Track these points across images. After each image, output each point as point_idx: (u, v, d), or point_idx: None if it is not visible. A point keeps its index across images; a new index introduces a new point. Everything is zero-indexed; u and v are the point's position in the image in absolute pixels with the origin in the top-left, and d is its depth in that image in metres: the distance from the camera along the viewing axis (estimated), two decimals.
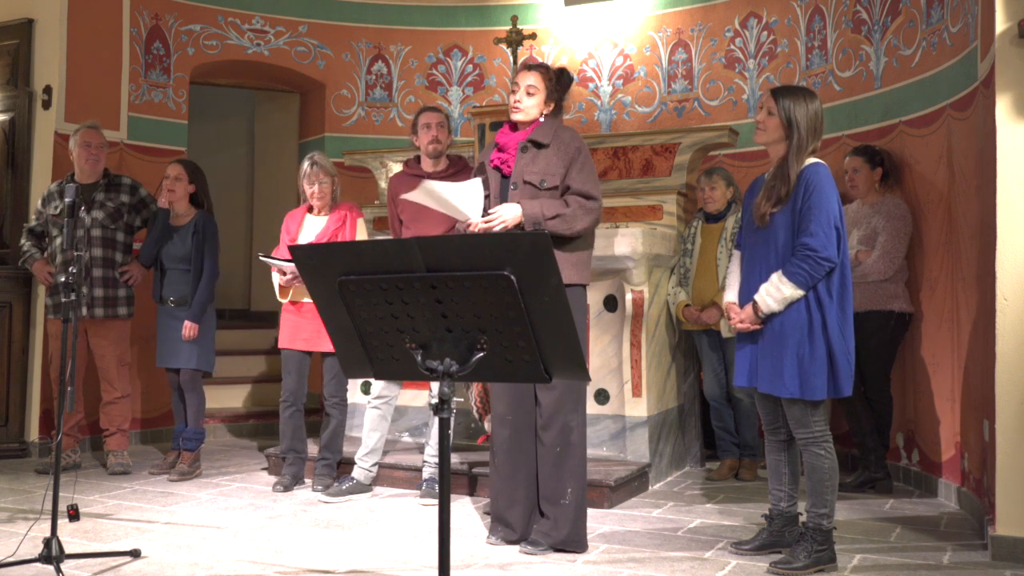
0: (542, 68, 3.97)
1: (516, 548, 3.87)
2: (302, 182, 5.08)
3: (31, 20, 6.11)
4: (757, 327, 3.65)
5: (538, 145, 3.87)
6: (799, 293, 3.53)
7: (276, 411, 5.22)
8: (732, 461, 5.42)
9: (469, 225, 3.84)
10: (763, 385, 3.65)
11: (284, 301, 5.06)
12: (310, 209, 5.13)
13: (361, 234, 5.10)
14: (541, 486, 3.88)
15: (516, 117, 3.94)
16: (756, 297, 3.62)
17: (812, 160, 3.64)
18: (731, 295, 3.80)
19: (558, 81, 3.96)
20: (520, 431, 3.91)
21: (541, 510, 3.90)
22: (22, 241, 5.65)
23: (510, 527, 3.93)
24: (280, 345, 5.11)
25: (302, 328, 5.00)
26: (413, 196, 3.88)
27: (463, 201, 3.79)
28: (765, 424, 3.84)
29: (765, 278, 3.61)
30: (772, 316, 3.59)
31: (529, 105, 3.91)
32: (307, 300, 4.99)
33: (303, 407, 5.11)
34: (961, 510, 4.57)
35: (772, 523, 3.82)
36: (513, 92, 3.96)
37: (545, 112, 3.95)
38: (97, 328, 5.45)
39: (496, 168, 3.97)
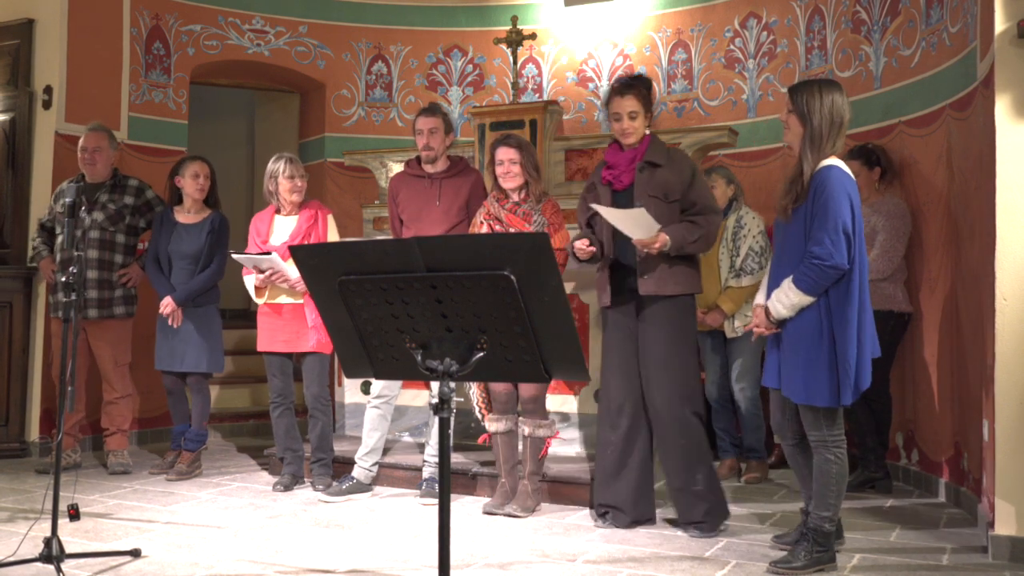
0: (635, 90, 4.18)
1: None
2: (279, 179, 5.00)
3: (31, 20, 6.11)
4: (774, 331, 3.65)
5: (654, 165, 4.13)
6: (807, 299, 3.51)
7: None
8: (732, 461, 5.43)
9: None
10: (783, 388, 3.65)
11: (260, 302, 5.00)
12: (277, 211, 5.10)
13: (333, 231, 5.08)
14: (673, 476, 4.14)
15: (629, 142, 4.19)
16: (767, 302, 3.63)
17: (829, 161, 3.54)
18: (760, 297, 3.77)
19: (649, 91, 4.23)
20: (636, 422, 4.18)
21: (678, 498, 4.15)
22: (34, 235, 5.70)
23: (622, 512, 4.20)
24: (259, 348, 5.06)
25: (280, 330, 4.97)
26: (604, 212, 4.06)
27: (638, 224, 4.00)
28: (774, 428, 3.86)
29: (781, 280, 3.59)
30: (787, 321, 3.59)
31: (638, 128, 4.18)
32: (283, 301, 4.96)
33: (293, 405, 5.11)
34: (961, 510, 4.58)
35: (809, 517, 3.79)
36: (616, 120, 4.18)
37: (647, 125, 4.22)
38: (94, 329, 5.44)
39: (607, 184, 4.21)
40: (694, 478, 4.08)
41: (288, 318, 4.95)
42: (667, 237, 3.98)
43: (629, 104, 4.15)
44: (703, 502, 4.09)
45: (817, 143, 3.55)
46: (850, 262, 3.47)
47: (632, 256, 4.12)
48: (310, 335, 4.91)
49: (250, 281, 5.00)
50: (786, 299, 3.54)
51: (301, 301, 4.91)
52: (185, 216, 5.41)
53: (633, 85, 4.19)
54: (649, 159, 4.13)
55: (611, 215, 4.03)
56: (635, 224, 3.97)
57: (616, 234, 4.13)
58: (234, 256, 4.92)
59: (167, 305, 5.24)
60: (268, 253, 4.82)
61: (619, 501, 4.21)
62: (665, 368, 4.10)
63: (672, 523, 4.24)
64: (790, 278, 3.54)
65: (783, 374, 3.64)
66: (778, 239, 3.73)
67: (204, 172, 5.40)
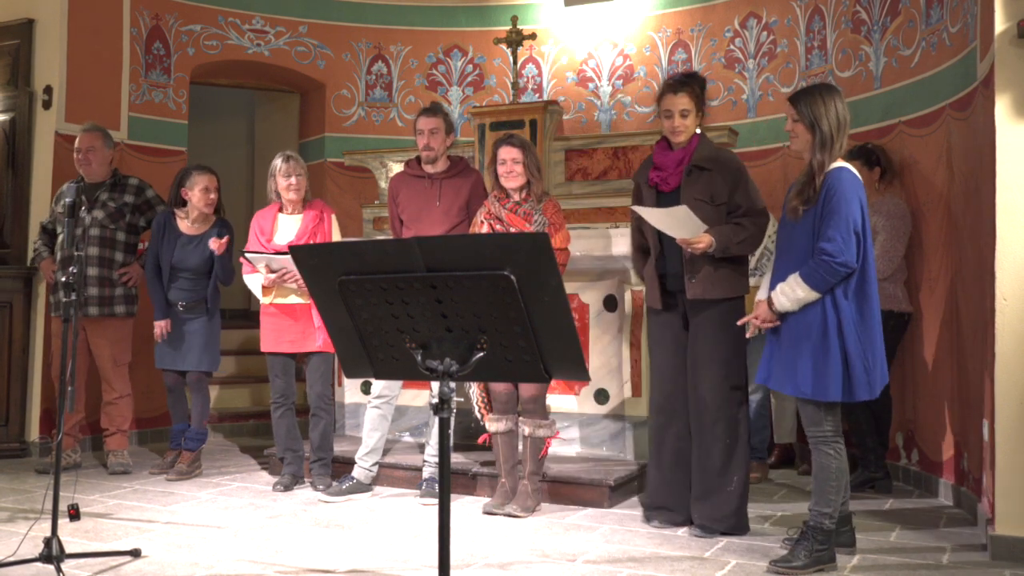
0: (688, 87, 4.11)
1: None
2: (276, 178, 4.99)
3: (31, 20, 6.11)
4: (774, 323, 3.67)
5: (701, 168, 4.07)
6: (813, 295, 3.54)
7: None
8: None
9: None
10: (776, 383, 3.67)
11: (266, 301, 4.97)
12: (280, 209, 5.08)
13: (337, 231, 5.08)
14: (707, 475, 4.10)
15: (679, 140, 4.13)
16: (771, 295, 3.66)
17: (839, 164, 3.62)
18: (762, 293, 3.80)
19: (703, 89, 4.16)
20: (682, 423, 4.18)
21: (705, 497, 4.10)
22: (36, 238, 5.71)
23: (675, 511, 4.22)
24: (264, 349, 5.04)
25: (286, 330, 4.95)
26: (645, 213, 4.05)
27: (683, 223, 3.95)
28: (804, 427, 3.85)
29: (787, 276, 3.62)
30: (788, 315, 3.61)
31: (689, 126, 4.12)
32: (293, 301, 4.93)
33: (294, 406, 5.11)
34: (961, 510, 4.58)
35: (809, 514, 3.79)
36: (667, 117, 4.11)
37: (699, 123, 4.15)
38: (94, 327, 5.44)
39: (653, 186, 4.16)
40: (731, 479, 4.09)
41: (294, 318, 4.94)
42: (711, 238, 3.94)
43: (682, 101, 4.08)
44: (732, 502, 4.09)
45: (828, 147, 3.62)
46: (858, 261, 3.53)
47: (679, 261, 4.09)
48: (317, 335, 4.90)
49: (254, 280, 4.98)
50: (792, 293, 3.57)
51: (309, 301, 4.90)
52: (189, 227, 5.36)
53: (687, 82, 4.13)
54: (697, 162, 4.07)
55: (653, 216, 4.00)
56: (678, 223, 3.93)
57: (663, 238, 4.11)
58: (247, 255, 4.89)
59: (159, 327, 5.30)
60: (286, 253, 4.77)
61: (657, 496, 4.27)
62: (714, 370, 4.08)
63: (696, 522, 4.17)
64: (797, 273, 3.57)
65: (779, 369, 3.65)
66: (782, 237, 3.77)
67: (214, 186, 5.34)
